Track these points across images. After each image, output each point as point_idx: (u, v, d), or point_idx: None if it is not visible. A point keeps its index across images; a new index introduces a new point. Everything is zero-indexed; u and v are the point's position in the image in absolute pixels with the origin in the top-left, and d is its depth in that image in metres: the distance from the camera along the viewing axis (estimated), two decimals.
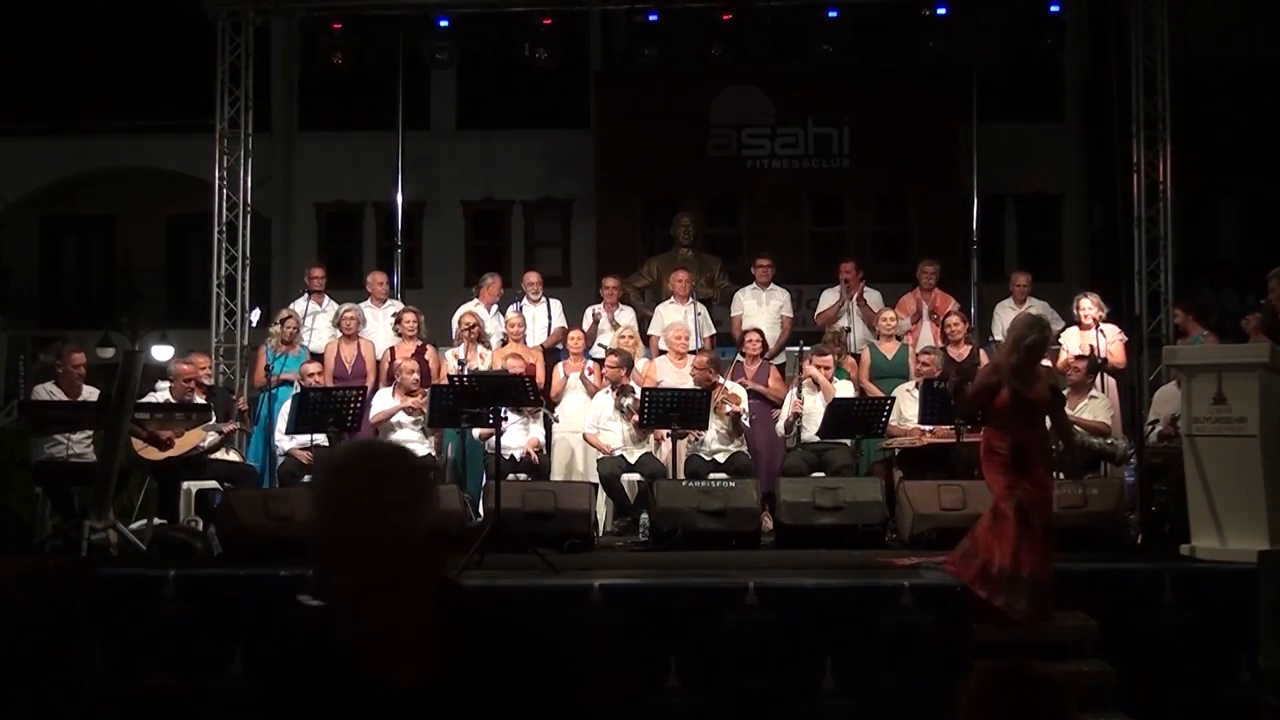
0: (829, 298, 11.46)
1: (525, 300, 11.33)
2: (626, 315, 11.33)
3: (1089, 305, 10.13)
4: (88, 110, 18.87)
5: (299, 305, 11.25)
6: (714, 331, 11.36)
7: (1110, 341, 10.08)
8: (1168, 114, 12.08)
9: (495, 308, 11.39)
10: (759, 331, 10.61)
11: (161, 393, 9.43)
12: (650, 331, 11.23)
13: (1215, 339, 9.91)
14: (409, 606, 1.99)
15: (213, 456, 9.39)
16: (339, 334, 10.78)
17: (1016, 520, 6.42)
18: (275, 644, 6.65)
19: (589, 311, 11.37)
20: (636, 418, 9.37)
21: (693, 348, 10.48)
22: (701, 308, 11.29)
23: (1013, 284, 11.41)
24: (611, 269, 12.46)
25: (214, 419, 9.40)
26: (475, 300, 11.36)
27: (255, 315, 12.11)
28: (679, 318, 10.94)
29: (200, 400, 9.39)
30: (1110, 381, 10.00)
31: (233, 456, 9.73)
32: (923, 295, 11.26)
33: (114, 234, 20.74)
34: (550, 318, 11.36)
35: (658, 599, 6.72)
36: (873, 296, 11.37)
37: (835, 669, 6.42)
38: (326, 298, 11.45)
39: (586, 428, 9.86)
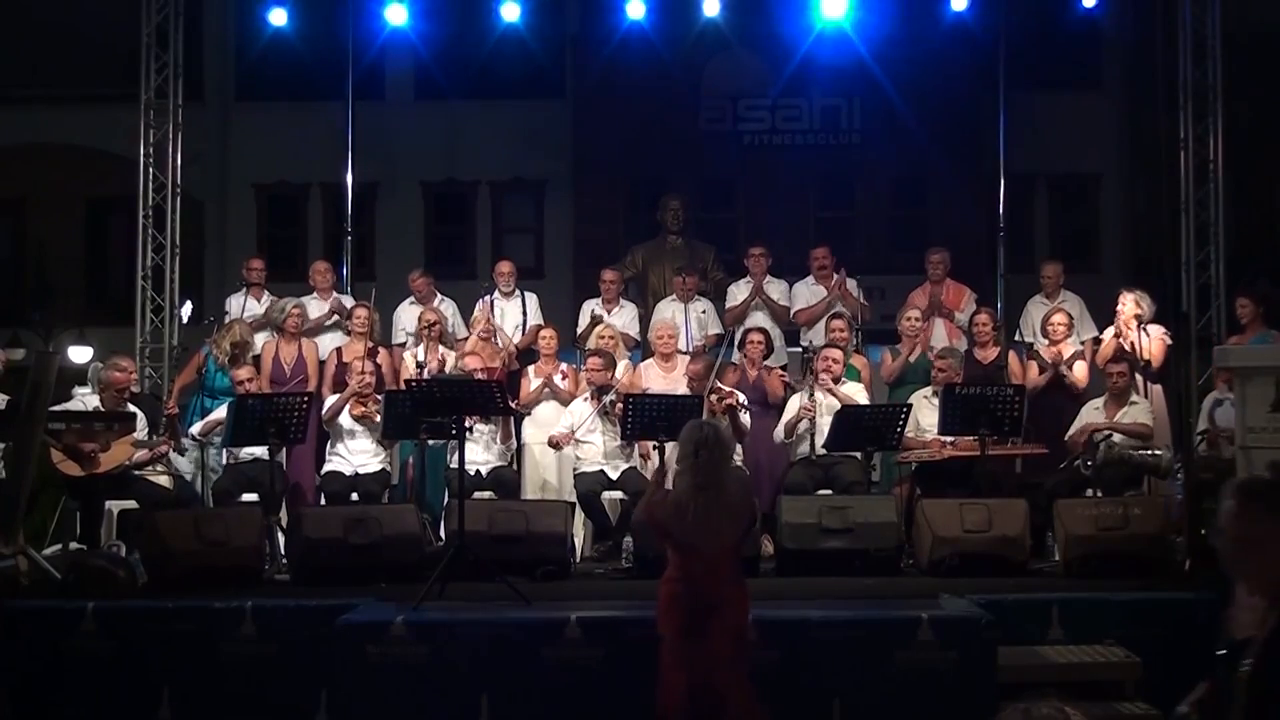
0: (803, 291, 11.26)
1: (496, 293, 11.24)
2: (628, 313, 11.24)
3: (1130, 303, 10.02)
4: None
5: (235, 302, 11.19)
6: (719, 330, 11.15)
7: (1152, 340, 9.96)
8: (1219, 84, 12.12)
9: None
10: (763, 332, 10.46)
11: (91, 400, 9.38)
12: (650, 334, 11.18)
13: None
14: None
15: (140, 474, 9.30)
16: (272, 333, 10.67)
17: None
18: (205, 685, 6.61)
19: (586, 307, 11.32)
20: (620, 408, 9.19)
21: (682, 348, 10.43)
22: (707, 305, 11.26)
23: (1042, 275, 11.28)
24: (590, 259, 12.49)
25: (144, 429, 9.36)
26: (411, 300, 11.32)
27: (186, 310, 12.04)
28: (670, 315, 10.89)
29: (131, 409, 9.34)
30: (1155, 389, 9.94)
31: (163, 480, 9.58)
32: (932, 288, 11.06)
33: (24, 219, 20.64)
34: (525, 314, 11.20)
35: (642, 633, 6.68)
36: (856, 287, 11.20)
37: (844, 712, 6.43)
38: (266, 293, 11.38)
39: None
